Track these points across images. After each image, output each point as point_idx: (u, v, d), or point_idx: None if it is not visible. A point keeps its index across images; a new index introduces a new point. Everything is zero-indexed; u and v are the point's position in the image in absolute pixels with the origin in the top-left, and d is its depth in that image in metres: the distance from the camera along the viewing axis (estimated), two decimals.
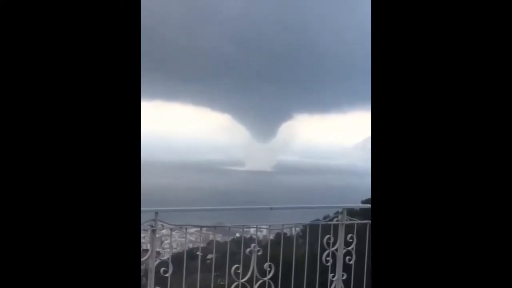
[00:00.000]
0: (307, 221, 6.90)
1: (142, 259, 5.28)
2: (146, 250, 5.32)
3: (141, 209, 5.56)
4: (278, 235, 6.52)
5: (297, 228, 6.86)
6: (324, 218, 6.56)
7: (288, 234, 6.72)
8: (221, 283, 6.01)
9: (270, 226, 6.48)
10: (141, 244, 5.39)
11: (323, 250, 6.13)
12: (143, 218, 5.33)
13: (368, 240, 6.15)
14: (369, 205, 7.11)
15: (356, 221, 6.24)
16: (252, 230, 6.25)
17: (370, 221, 6.18)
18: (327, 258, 6.11)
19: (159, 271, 5.33)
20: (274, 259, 5.95)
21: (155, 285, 5.29)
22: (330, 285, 6.12)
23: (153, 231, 5.32)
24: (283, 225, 6.62)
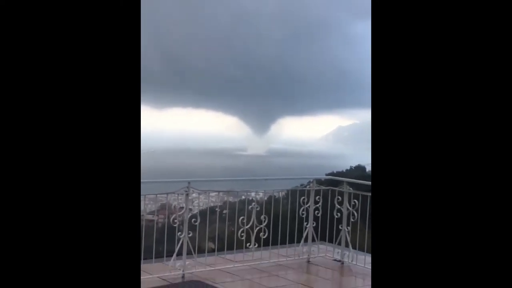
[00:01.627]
0: (289, 187, 6.93)
1: (179, 213, 5.33)
2: (182, 207, 5.35)
3: (179, 179, 5.69)
4: (270, 197, 6.55)
5: (282, 192, 6.89)
6: (301, 185, 6.58)
7: (277, 196, 6.76)
8: (232, 229, 6.04)
9: (264, 191, 6.52)
10: (178, 204, 5.43)
11: (299, 207, 6.14)
12: (180, 186, 5.38)
13: (330, 201, 6.23)
14: (329, 177, 7.23)
15: (322, 188, 6.27)
16: (252, 194, 6.29)
17: (331, 187, 6.28)
18: (302, 212, 6.13)
19: (191, 221, 5.37)
20: (267, 213, 5.97)
21: (188, 230, 5.33)
22: (304, 230, 6.15)
23: (187, 195, 5.34)
24: (273, 190, 6.67)
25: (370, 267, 5.67)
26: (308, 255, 6.12)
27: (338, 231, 6.09)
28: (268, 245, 6.01)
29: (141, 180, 6.03)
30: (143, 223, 6.13)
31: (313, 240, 6.22)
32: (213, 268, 5.55)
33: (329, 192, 6.22)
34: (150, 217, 7.27)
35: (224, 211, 6.26)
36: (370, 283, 5.49)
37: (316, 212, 6.17)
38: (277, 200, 6.60)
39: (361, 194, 5.94)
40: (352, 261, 5.99)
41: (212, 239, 6.36)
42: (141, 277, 5.05)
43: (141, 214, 7.11)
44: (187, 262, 5.31)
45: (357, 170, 23.25)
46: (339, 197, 6.09)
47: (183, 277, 5.22)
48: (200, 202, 5.91)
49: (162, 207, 6.77)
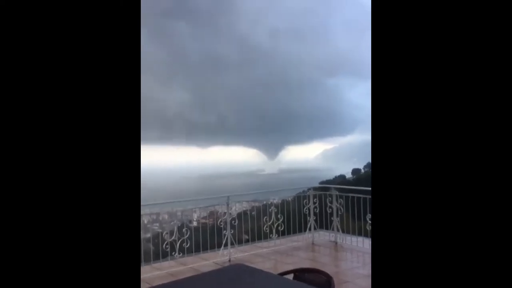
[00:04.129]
0: (295, 193, 6.88)
1: (223, 218, 5.31)
2: (225, 213, 5.33)
3: (221, 195, 5.74)
4: (283, 201, 6.50)
5: (291, 198, 6.83)
6: (303, 192, 6.53)
7: (288, 200, 6.70)
8: (259, 225, 5.99)
9: (278, 197, 6.49)
10: (222, 211, 5.42)
11: (303, 206, 6.09)
12: (223, 199, 5.39)
13: (324, 201, 6.16)
14: (322, 185, 7.17)
15: (317, 192, 6.21)
16: (271, 200, 6.23)
17: (324, 192, 6.23)
18: (306, 210, 6.07)
19: (231, 222, 5.34)
20: (282, 212, 5.93)
21: (230, 228, 5.29)
22: (308, 222, 6.08)
23: (227, 204, 5.33)
24: (284, 196, 6.63)
25: (356, 244, 5.63)
26: (312, 239, 6.01)
27: (331, 221, 6.00)
28: (285, 234, 5.93)
29: (197, 198, 5.92)
30: (199, 226, 6.10)
31: (315, 228, 6.10)
32: (248, 253, 5.48)
33: (322, 195, 6.15)
34: (203, 221, 7.25)
35: (253, 213, 6.21)
36: (356, 255, 5.42)
37: (315, 209, 6.09)
38: (288, 203, 6.53)
39: (344, 195, 5.88)
40: (342, 241, 5.89)
41: (246, 233, 6.29)
42: (201, 263, 5.07)
43: (197, 219, 7.09)
44: (231, 250, 5.27)
45: (340, 178, 23.01)
46: (329, 198, 6.03)
47: (229, 260, 5.17)
48: (236, 208, 5.90)
49: (211, 214, 6.75)
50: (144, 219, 5.61)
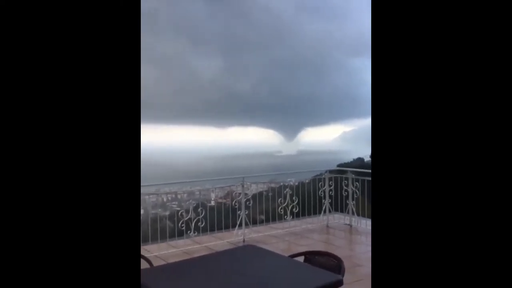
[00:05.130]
0: (311, 176, 6.83)
1: (238, 198, 5.33)
2: (239, 193, 5.36)
3: (237, 176, 5.75)
4: (299, 183, 6.48)
5: (307, 180, 6.78)
6: (319, 174, 6.48)
7: (304, 182, 6.66)
8: (273, 206, 6.01)
9: (295, 179, 6.47)
10: (236, 190, 5.44)
11: (319, 189, 6.05)
12: (238, 181, 5.41)
13: (340, 184, 6.09)
14: (338, 168, 7.07)
15: (333, 175, 6.15)
16: (287, 181, 6.21)
17: (340, 175, 6.15)
18: (321, 193, 6.03)
19: (246, 203, 5.37)
20: (297, 195, 5.91)
21: (244, 209, 5.32)
22: (323, 205, 6.05)
23: (242, 185, 5.35)
24: (301, 179, 6.60)
25: (370, 228, 5.57)
26: (327, 222, 5.98)
27: (346, 204, 5.95)
28: (299, 216, 5.93)
29: (213, 178, 5.92)
30: (215, 206, 6.18)
31: (330, 211, 6.07)
32: (263, 234, 5.52)
33: (338, 178, 6.09)
34: (220, 200, 7.33)
35: (269, 194, 6.21)
36: (370, 239, 5.35)
37: (330, 192, 6.04)
38: (304, 185, 6.50)
39: (360, 179, 5.80)
40: (357, 224, 5.84)
41: (261, 213, 6.32)
42: (215, 242, 5.14)
43: (215, 199, 7.16)
44: (245, 231, 5.31)
45: (358, 161, 22.65)
46: (345, 181, 5.96)
47: (243, 241, 5.22)
48: (253, 189, 5.91)
49: (227, 194, 6.82)
50: (164, 198, 5.71)
